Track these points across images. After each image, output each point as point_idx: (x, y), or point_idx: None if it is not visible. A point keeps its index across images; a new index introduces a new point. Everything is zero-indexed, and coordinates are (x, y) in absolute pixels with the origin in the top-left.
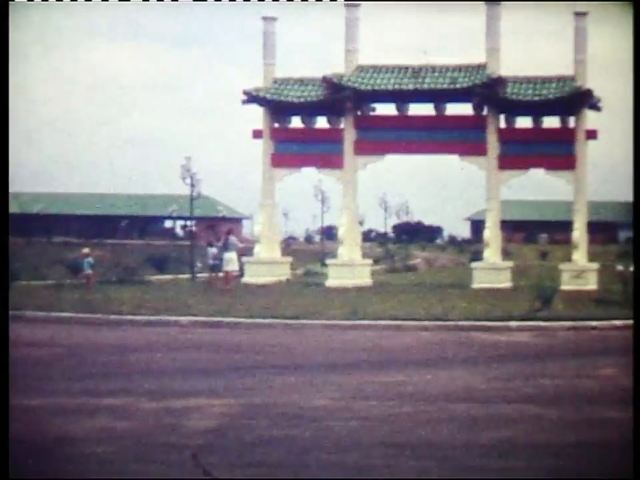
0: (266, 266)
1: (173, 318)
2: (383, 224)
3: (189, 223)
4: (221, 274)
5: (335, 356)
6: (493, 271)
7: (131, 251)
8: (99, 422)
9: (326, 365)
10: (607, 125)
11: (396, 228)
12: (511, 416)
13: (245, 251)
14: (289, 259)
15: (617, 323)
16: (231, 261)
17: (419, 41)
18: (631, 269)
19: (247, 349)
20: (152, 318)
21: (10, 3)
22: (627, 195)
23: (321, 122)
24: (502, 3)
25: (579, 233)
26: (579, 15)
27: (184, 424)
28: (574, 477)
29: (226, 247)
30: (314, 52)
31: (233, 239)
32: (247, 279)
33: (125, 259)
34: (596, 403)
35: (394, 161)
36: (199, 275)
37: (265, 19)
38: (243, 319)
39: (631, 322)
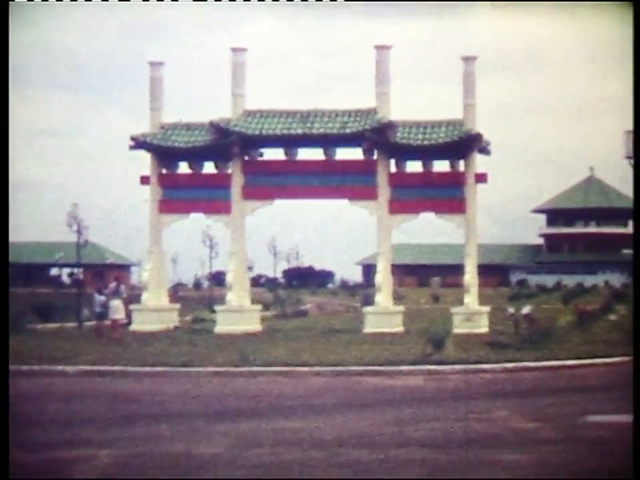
0: (154, 313)
1: (59, 367)
2: (273, 269)
3: (75, 270)
4: (107, 322)
5: (225, 403)
6: (384, 315)
7: (14, 300)
8: None
9: (215, 412)
10: (497, 168)
11: (286, 273)
12: (402, 460)
13: (133, 298)
14: (177, 305)
15: (508, 365)
16: (117, 308)
17: (308, 85)
18: (522, 311)
19: (136, 398)
20: (35, 368)
21: (10, 3)
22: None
23: (209, 167)
24: (390, 47)
25: (470, 276)
26: (468, 59)
27: (68, 475)
28: None
29: (113, 295)
30: (201, 96)
31: (122, 286)
32: (134, 326)
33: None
34: (487, 446)
35: (283, 206)
36: (86, 323)
37: (151, 64)
38: (130, 368)
39: (523, 364)
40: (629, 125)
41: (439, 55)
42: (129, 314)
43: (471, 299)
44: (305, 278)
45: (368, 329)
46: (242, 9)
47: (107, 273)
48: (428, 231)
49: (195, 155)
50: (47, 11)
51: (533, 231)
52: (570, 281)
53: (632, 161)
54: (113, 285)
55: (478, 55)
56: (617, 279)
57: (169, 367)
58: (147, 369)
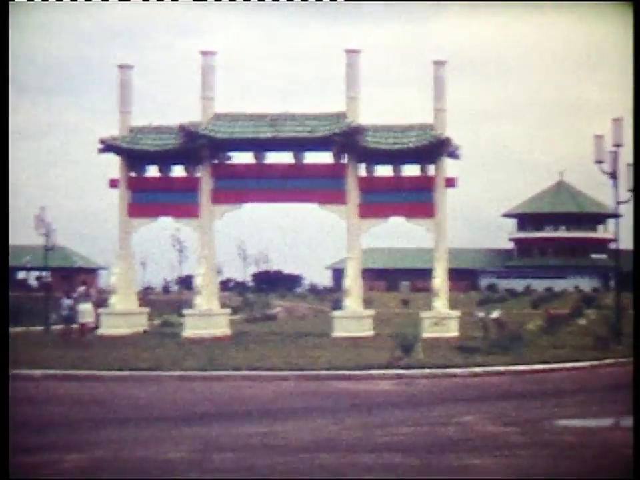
0: (122, 317)
1: (24, 372)
2: (242, 273)
3: (43, 273)
4: (75, 326)
5: (192, 407)
6: (353, 319)
7: None
8: None
9: (182, 416)
10: (467, 172)
11: (255, 277)
12: (371, 465)
13: (101, 302)
14: (146, 309)
15: (477, 370)
16: (86, 312)
17: (278, 89)
18: (492, 316)
19: (103, 402)
20: None
21: (10, 2)
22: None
23: (178, 171)
24: (360, 51)
25: (440, 280)
26: (438, 63)
27: None
28: None
29: (81, 298)
30: (171, 99)
31: (87, 289)
32: (102, 330)
33: None
34: (457, 451)
35: (253, 209)
36: (53, 327)
37: (120, 66)
38: (98, 372)
39: (493, 368)
40: (599, 130)
41: (409, 59)
42: (97, 318)
43: (441, 303)
44: (274, 282)
45: (337, 333)
46: (212, 11)
47: (75, 277)
48: (398, 235)
49: (164, 158)
50: (11, 11)
51: (503, 236)
52: (540, 285)
53: (602, 166)
54: (82, 288)
55: (448, 59)
56: (586, 284)
57: (137, 371)
58: (115, 373)
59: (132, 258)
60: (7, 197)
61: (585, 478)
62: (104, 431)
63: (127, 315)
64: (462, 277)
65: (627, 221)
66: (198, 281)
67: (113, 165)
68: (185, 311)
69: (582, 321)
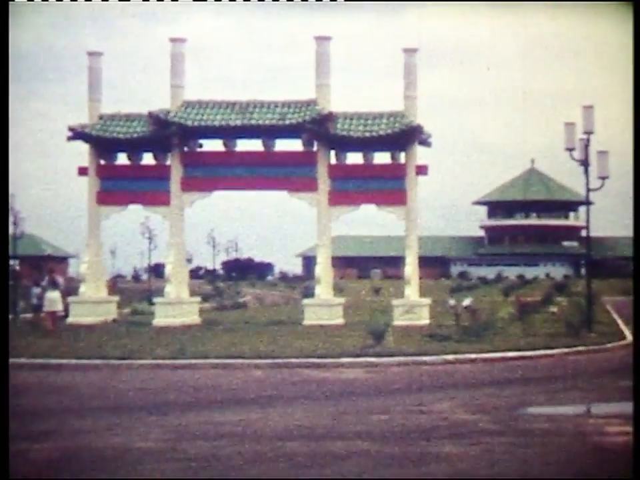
0: (92, 305)
1: None
2: (212, 261)
3: (12, 262)
4: (43, 314)
5: (162, 396)
6: (324, 307)
7: None
8: None
9: (153, 405)
10: (438, 160)
11: (225, 265)
12: (342, 452)
13: (71, 290)
14: (116, 297)
15: (449, 357)
16: (53, 300)
17: (247, 76)
18: (463, 303)
19: (72, 391)
20: None
21: (10, 2)
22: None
23: (148, 158)
24: (330, 38)
25: (411, 268)
26: (409, 51)
27: None
28: None
29: (49, 286)
30: (140, 87)
31: (55, 277)
32: (72, 319)
33: None
34: (428, 438)
35: (223, 197)
36: (22, 315)
37: (90, 54)
38: (67, 360)
39: (464, 356)
40: (569, 117)
41: (381, 48)
42: (66, 306)
43: (412, 291)
44: (244, 270)
45: (307, 321)
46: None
47: (45, 265)
48: (369, 223)
49: (134, 146)
50: None
51: (474, 223)
52: (511, 272)
53: (572, 153)
54: (49, 276)
55: (421, 48)
56: (558, 271)
57: (107, 360)
58: (84, 361)
59: (101, 246)
60: (7, 193)
61: (559, 465)
62: (73, 420)
63: (97, 303)
64: (433, 265)
65: (598, 208)
66: (168, 269)
67: (83, 152)
68: (155, 299)
69: (553, 309)
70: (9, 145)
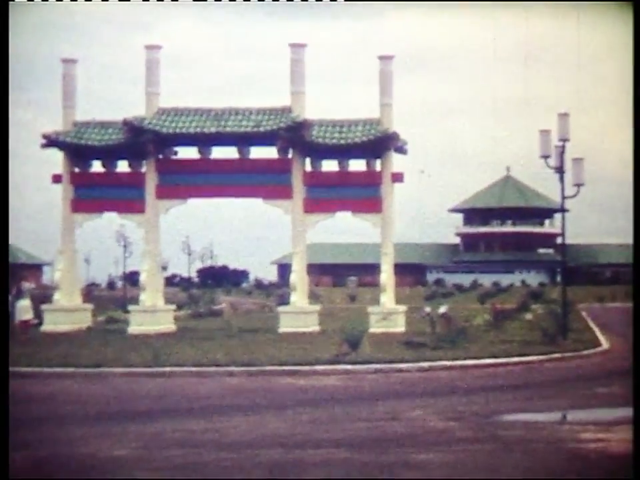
0: (66, 313)
1: None
2: (187, 268)
3: None
4: (16, 323)
5: (137, 404)
6: (299, 314)
7: None
8: None
9: (126, 413)
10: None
11: (200, 272)
12: (317, 460)
13: (45, 298)
14: (90, 305)
15: (424, 364)
16: (22, 309)
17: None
18: (439, 311)
19: (45, 400)
20: None
21: (10, 2)
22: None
23: (123, 166)
24: (305, 45)
25: (387, 276)
26: (384, 58)
27: None
28: None
29: (17, 296)
30: (115, 94)
31: (26, 285)
32: (46, 326)
33: None
34: (403, 446)
35: (198, 205)
36: None
37: (64, 61)
38: (40, 369)
39: (440, 363)
40: (544, 125)
41: (358, 55)
42: (38, 314)
43: (388, 298)
44: (220, 277)
45: (283, 328)
46: (159, 8)
47: (19, 273)
48: (345, 230)
49: (109, 154)
50: None
51: (449, 230)
52: (487, 280)
53: (548, 160)
54: (19, 285)
55: (397, 55)
56: (533, 278)
57: (80, 368)
58: (57, 369)
59: (76, 254)
60: (7, 198)
61: (533, 472)
62: (47, 428)
63: (71, 311)
64: (409, 272)
65: (573, 216)
66: (143, 277)
67: (57, 160)
68: (130, 307)
69: (528, 316)
70: (8, 146)
